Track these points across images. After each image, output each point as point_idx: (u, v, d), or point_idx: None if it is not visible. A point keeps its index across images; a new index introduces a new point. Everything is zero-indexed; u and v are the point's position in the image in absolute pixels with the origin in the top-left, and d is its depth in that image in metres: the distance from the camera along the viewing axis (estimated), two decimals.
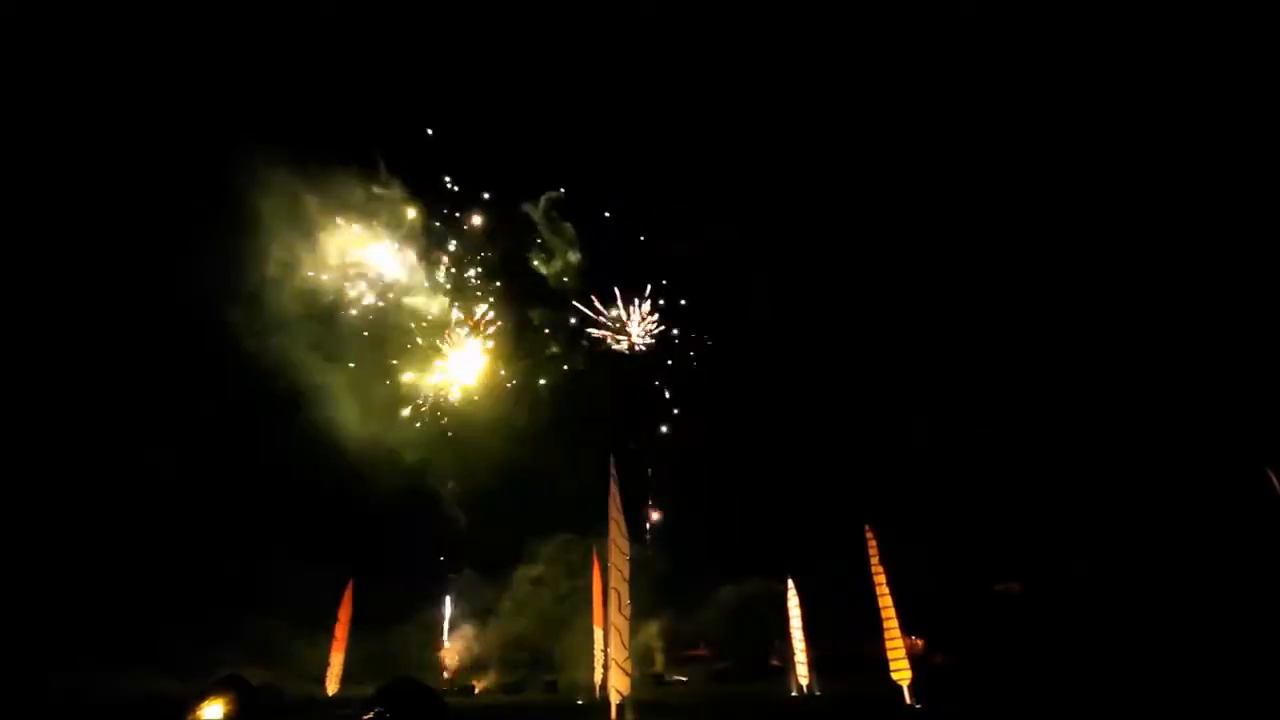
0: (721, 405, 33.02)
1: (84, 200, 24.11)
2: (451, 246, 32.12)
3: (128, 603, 22.14)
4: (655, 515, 30.70)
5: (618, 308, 34.09)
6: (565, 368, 33.05)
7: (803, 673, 22.39)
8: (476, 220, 32.10)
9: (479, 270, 32.42)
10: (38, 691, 18.44)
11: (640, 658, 26.60)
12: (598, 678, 21.60)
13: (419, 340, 31.33)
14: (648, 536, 30.89)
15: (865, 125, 29.18)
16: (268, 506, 25.89)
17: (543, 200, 32.55)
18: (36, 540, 21.69)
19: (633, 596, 16.28)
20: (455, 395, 31.29)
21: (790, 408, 30.79)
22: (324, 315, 29.05)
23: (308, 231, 28.14)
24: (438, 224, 32.05)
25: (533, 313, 33.10)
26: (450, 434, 31.02)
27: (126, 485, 23.60)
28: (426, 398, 30.95)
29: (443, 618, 28.89)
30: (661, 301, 34.40)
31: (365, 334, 30.23)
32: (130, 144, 24.23)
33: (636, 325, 34.12)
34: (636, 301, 34.11)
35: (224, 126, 25.42)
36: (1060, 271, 26.88)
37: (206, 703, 18.22)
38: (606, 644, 16.86)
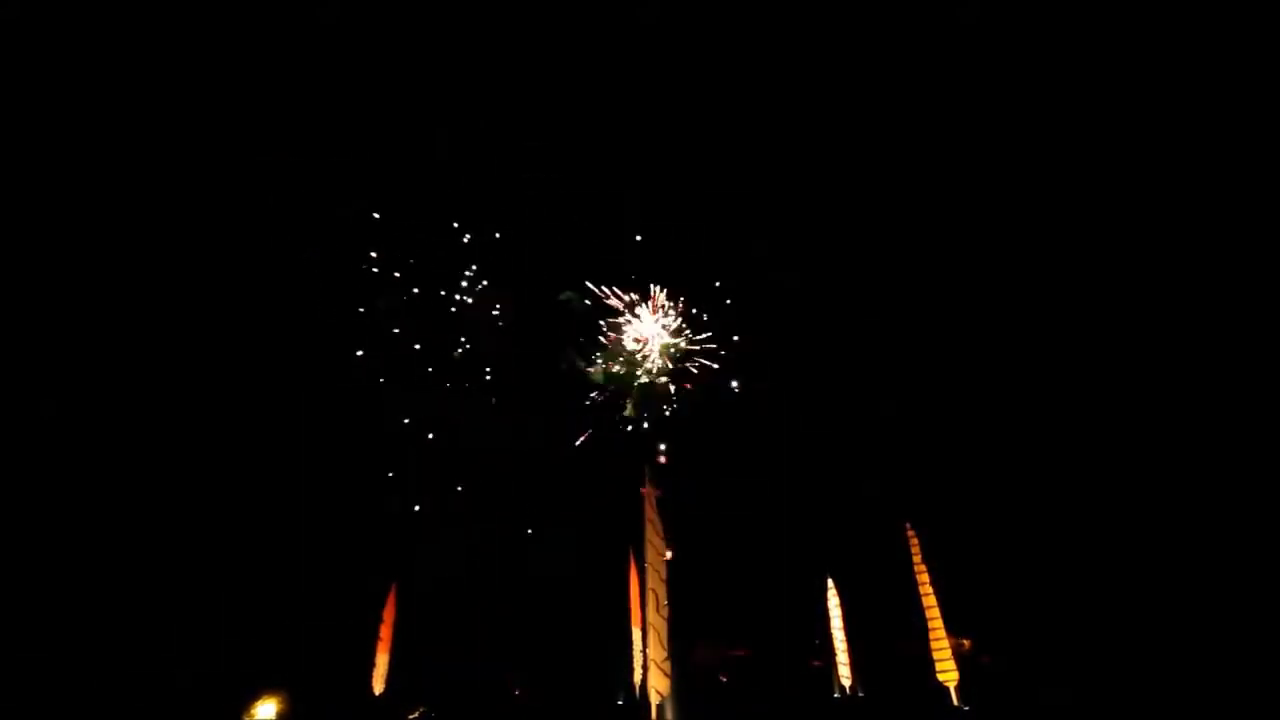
0: (757, 399, 32.68)
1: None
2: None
3: (179, 599, 23.00)
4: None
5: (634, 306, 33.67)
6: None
7: (845, 674, 22.07)
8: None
9: None
10: (92, 686, 19.32)
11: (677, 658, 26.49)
12: (636, 678, 21.68)
13: None
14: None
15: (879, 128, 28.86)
16: (315, 506, 26.57)
17: None
18: (93, 541, 22.70)
19: (670, 596, 16.32)
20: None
21: (828, 400, 30.37)
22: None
23: None
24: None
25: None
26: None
27: (173, 485, 24.47)
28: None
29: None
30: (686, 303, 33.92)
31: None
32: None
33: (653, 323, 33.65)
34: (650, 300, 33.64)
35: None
36: (1086, 272, 26.30)
37: (260, 701, 18.92)
38: (645, 645, 16.91)
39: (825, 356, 30.60)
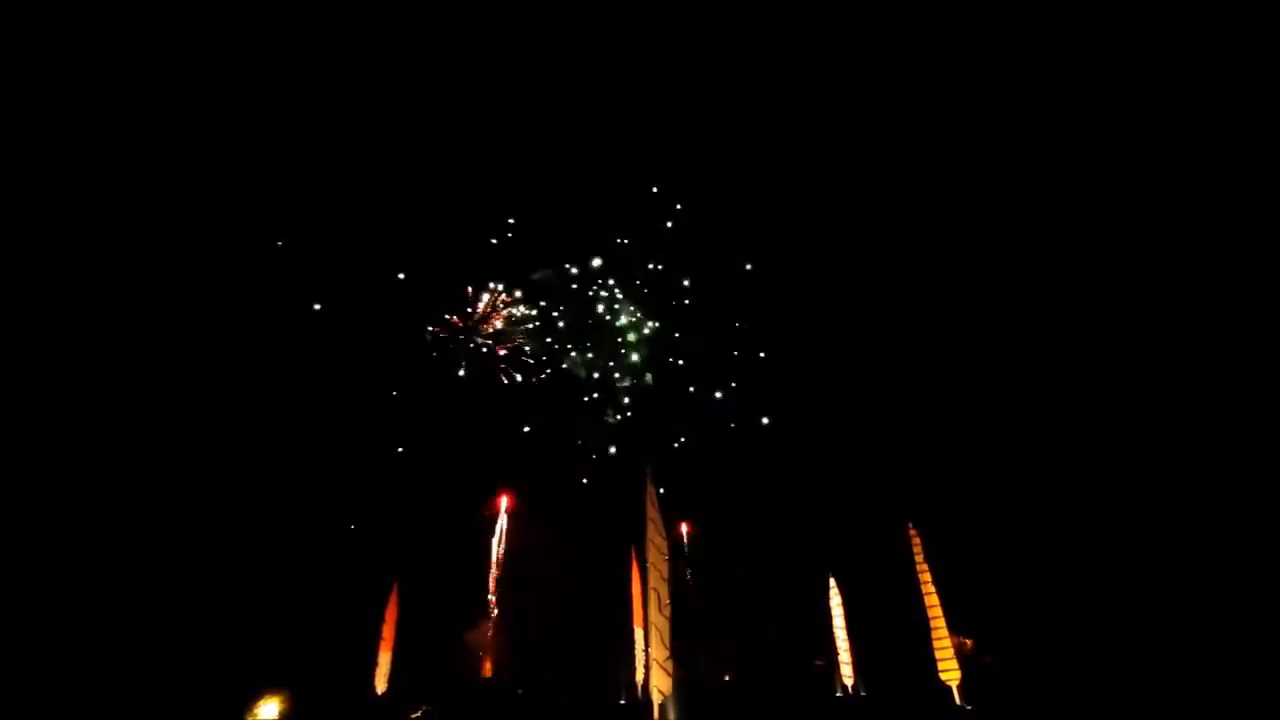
0: (757, 397, 32.65)
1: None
2: None
3: (181, 600, 22.95)
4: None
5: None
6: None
7: (847, 673, 22.07)
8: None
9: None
10: (92, 686, 19.29)
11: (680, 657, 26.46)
12: (639, 678, 21.64)
13: None
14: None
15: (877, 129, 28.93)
16: (315, 504, 26.52)
17: None
18: (92, 541, 22.65)
19: (672, 595, 16.29)
20: None
21: (829, 398, 30.36)
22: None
23: None
24: None
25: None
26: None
27: (170, 482, 24.40)
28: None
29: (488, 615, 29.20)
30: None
31: None
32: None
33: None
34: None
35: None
36: (1085, 272, 26.35)
37: (262, 701, 18.89)
38: (647, 644, 16.89)
39: (827, 356, 30.63)
